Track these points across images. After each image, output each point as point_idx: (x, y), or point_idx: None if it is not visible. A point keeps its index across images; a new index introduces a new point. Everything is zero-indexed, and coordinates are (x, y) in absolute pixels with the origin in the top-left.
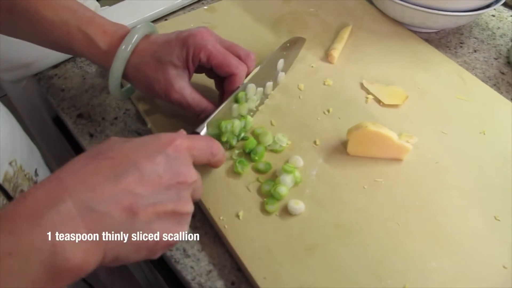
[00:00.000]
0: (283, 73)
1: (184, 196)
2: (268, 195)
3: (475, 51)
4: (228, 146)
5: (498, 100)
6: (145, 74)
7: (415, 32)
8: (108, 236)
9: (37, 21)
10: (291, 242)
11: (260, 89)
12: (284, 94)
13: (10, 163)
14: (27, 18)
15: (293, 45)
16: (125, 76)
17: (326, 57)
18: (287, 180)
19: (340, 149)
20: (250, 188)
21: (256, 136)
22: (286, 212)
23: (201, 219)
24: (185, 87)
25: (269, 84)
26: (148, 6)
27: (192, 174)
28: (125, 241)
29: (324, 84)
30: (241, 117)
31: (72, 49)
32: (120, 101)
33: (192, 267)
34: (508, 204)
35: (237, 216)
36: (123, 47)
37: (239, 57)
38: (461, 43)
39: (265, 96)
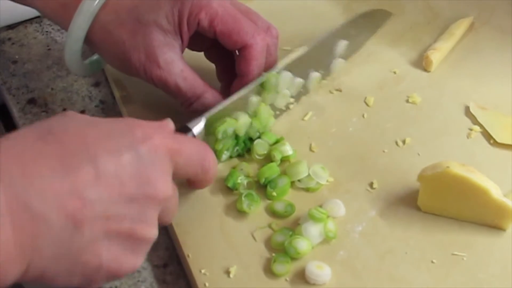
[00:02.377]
0: (343, 60)
1: (149, 216)
2: (280, 250)
3: None
4: (224, 158)
5: None
6: (117, 38)
7: None
8: (39, 245)
9: None
10: None
11: (300, 80)
12: (340, 108)
13: None
14: None
15: (368, 21)
16: (89, 40)
17: (420, 61)
18: (312, 231)
19: (408, 200)
20: (257, 235)
21: (276, 158)
22: (301, 278)
23: (175, 271)
24: (175, 60)
25: (315, 75)
26: None
27: (167, 188)
28: (57, 257)
29: (408, 101)
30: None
31: None
32: (94, 90)
33: None
34: None
35: (227, 272)
36: (89, 2)
37: (256, 22)
38: None
39: (304, 91)
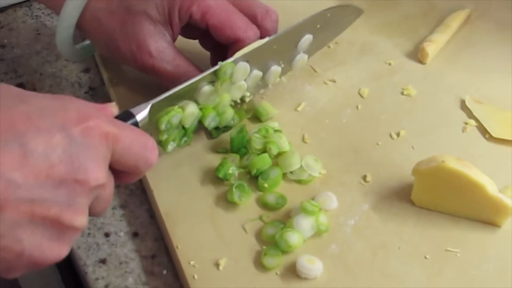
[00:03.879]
0: (306, 55)
1: (78, 202)
2: (270, 243)
3: None
4: (170, 149)
5: None
6: (108, 27)
7: None
8: None
9: None
10: None
11: (258, 73)
12: (333, 99)
13: None
14: None
15: (336, 17)
16: (80, 27)
17: (416, 52)
18: (304, 224)
19: (402, 194)
20: (248, 228)
21: (272, 152)
22: (292, 272)
23: (163, 263)
24: (165, 48)
25: (275, 69)
26: None
27: (100, 174)
28: None
29: (403, 93)
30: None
31: None
32: (84, 76)
33: None
34: None
35: (217, 264)
36: None
37: (252, 16)
38: None
39: (262, 85)
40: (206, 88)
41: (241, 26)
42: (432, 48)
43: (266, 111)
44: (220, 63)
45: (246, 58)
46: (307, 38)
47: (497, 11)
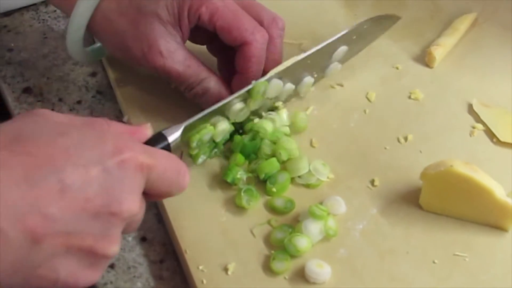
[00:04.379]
0: (340, 65)
1: (112, 233)
2: (279, 247)
3: None
4: (200, 161)
5: None
6: (118, 28)
7: None
8: None
9: None
10: None
11: (291, 86)
12: (341, 104)
13: None
14: None
15: (372, 27)
16: (91, 28)
17: (423, 56)
18: (312, 229)
19: (409, 199)
20: (256, 232)
21: (281, 157)
22: (301, 276)
23: (172, 267)
24: (176, 49)
25: (308, 80)
26: None
27: (134, 205)
28: (14, 270)
29: (410, 97)
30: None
31: None
32: (91, 79)
33: None
34: None
35: (225, 269)
36: None
37: (260, 23)
38: None
39: (294, 94)
40: (237, 105)
41: (248, 28)
42: (439, 51)
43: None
44: (253, 82)
45: (280, 75)
46: (342, 49)
47: (504, 14)
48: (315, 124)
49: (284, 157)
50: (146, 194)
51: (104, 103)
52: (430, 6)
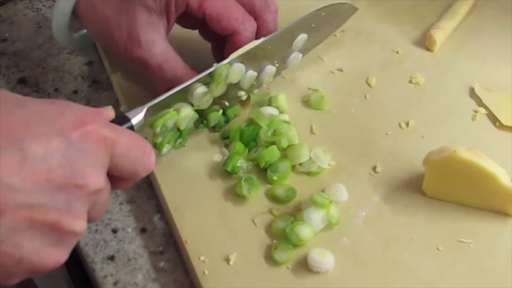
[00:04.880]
0: (300, 54)
1: (77, 207)
2: (281, 236)
3: None
4: (165, 151)
5: None
6: (102, 14)
7: None
8: None
9: None
10: None
11: (252, 73)
12: (341, 89)
13: None
14: None
15: (331, 15)
16: (76, 14)
17: (423, 40)
18: (314, 217)
19: (413, 185)
20: (257, 221)
21: (281, 144)
22: (303, 265)
23: (173, 258)
24: (156, 41)
25: (270, 68)
26: None
27: (99, 179)
28: None
29: (411, 82)
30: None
31: None
32: (87, 69)
33: None
34: None
35: (227, 259)
36: None
37: (251, 7)
38: None
39: (256, 84)
40: (200, 89)
41: (238, 17)
42: (439, 35)
43: (280, 105)
44: (215, 64)
45: (241, 59)
46: (302, 37)
47: None
48: (315, 111)
49: (284, 144)
50: (112, 178)
51: (101, 93)
52: None
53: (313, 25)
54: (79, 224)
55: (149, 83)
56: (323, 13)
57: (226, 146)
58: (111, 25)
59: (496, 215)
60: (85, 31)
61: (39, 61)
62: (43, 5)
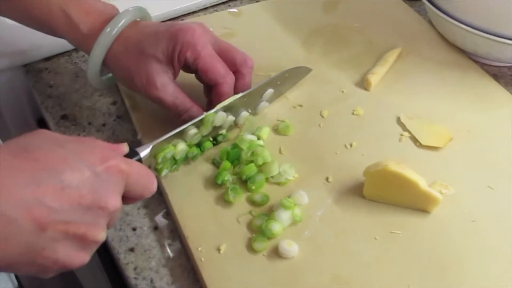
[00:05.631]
0: (267, 103)
1: (100, 222)
2: (258, 231)
3: None
4: (163, 174)
5: None
6: (125, 65)
7: (482, 64)
8: (9, 244)
9: None
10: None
11: (231, 118)
12: (301, 120)
13: None
14: None
15: (292, 75)
16: (105, 63)
17: (362, 82)
18: (283, 216)
19: (356, 191)
20: (241, 220)
21: (257, 162)
22: (276, 253)
23: (178, 249)
24: (168, 83)
25: (244, 114)
26: (164, 3)
27: (116, 202)
28: (23, 253)
29: (353, 113)
30: (193, 145)
31: (52, 30)
32: (112, 107)
33: None
34: None
35: (218, 249)
36: (108, 30)
37: (233, 62)
38: None
39: (234, 125)
40: (192, 131)
41: (221, 72)
42: (374, 78)
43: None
44: (204, 113)
45: (224, 108)
46: (270, 91)
47: (421, 48)
48: (283, 136)
49: (260, 162)
50: (124, 197)
51: (123, 125)
52: (366, 43)
53: (278, 82)
54: (101, 235)
55: (166, 113)
56: (286, 74)
57: (216, 164)
58: (133, 73)
59: (418, 212)
60: (109, 75)
61: (77, 102)
62: (79, 60)
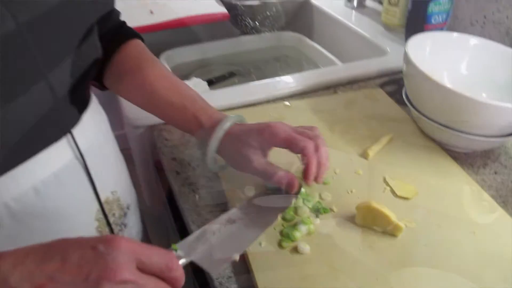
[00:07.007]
0: None
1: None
2: (285, 235)
3: (495, 173)
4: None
5: (497, 210)
6: (231, 151)
7: (446, 150)
8: None
9: (166, 105)
10: (294, 270)
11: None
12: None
13: (112, 192)
14: (157, 99)
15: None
16: (219, 152)
17: (363, 154)
18: (303, 228)
19: (351, 219)
20: (276, 228)
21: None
22: (295, 250)
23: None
24: (260, 161)
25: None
26: (245, 94)
27: (126, 272)
28: None
29: (355, 172)
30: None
31: (186, 130)
32: (203, 157)
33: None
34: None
35: (260, 244)
36: (220, 128)
37: (307, 136)
38: (485, 164)
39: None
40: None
41: (299, 139)
42: (371, 152)
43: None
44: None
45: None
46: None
47: (406, 136)
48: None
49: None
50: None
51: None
52: (369, 130)
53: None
54: None
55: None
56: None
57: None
58: (236, 156)
59: (389, 235)
60: (223, 164)
61: (183, 150)
62: None
